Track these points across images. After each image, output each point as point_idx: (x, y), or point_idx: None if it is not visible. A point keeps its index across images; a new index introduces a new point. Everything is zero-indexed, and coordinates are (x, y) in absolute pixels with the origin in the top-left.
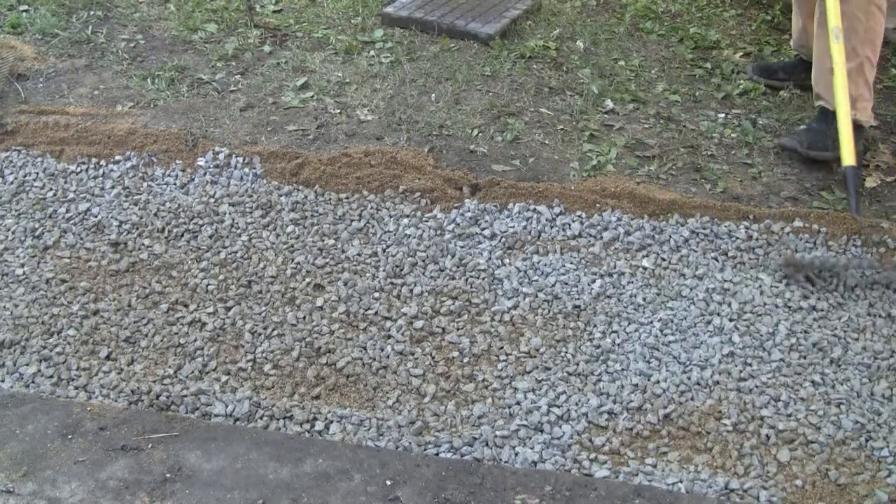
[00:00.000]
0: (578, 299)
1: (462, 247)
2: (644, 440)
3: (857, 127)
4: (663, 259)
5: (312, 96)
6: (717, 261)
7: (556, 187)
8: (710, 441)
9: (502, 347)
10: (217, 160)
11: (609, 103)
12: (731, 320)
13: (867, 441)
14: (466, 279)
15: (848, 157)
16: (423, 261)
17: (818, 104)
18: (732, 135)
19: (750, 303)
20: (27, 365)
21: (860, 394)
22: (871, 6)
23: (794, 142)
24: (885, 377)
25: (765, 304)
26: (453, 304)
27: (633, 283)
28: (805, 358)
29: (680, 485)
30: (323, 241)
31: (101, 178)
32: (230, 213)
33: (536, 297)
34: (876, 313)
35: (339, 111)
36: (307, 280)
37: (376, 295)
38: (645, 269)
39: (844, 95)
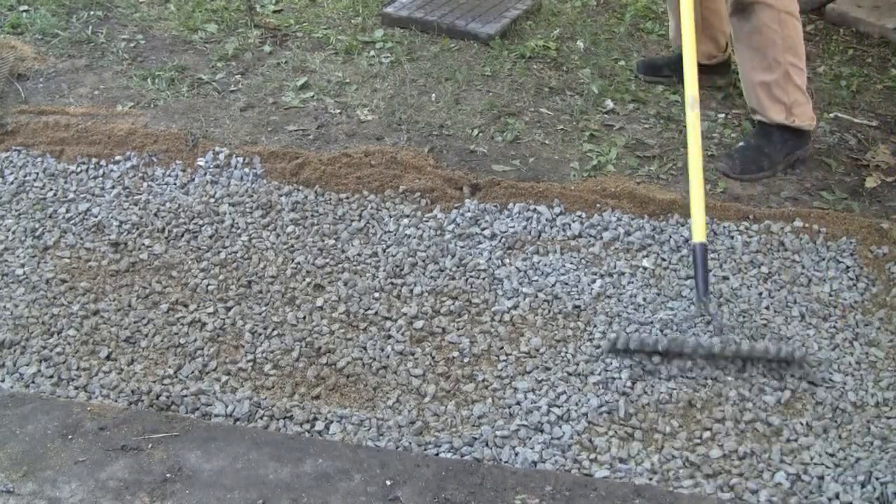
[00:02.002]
0: (578, 299)
1: (462, 247)
2: (644, 440)
3: (800, 132)
4: (663, 259)
5: (312, 96)
6: (716, 261)
7: (556, 187)
8: (710, 441)
9: (502, 347)
10: (217, 160)
11: (609, 103)
12: (730, 320)
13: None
14: (466, 279)
15: (698, 233)
16: (423, 261)
17: (755, 118)
18: (732, 135)
19: (750, 302)
20: (27, 365)
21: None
22: (782, 15)
23: (727, 166)
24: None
25: (765, 303)
26: (453, 304)
27: (633, 283)
28: None
29: (681, 484)
30: (323, 241)
31: (101, 178)
32: (230, 213)
33: (536, 297)
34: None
35: (339, 111)
36: (307, 280)
37: (376, 295)
38: (645, 269)
39: (697, 171)
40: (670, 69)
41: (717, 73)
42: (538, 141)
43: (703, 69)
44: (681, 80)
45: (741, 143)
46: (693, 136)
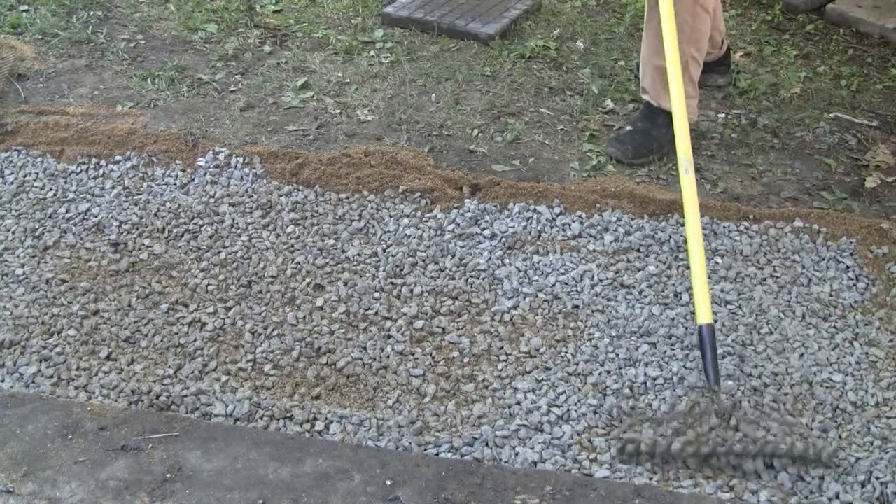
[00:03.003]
0: (578, 299)
1: (462, 247)
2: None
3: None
4: (663, 260)
5: (312, 96)
6: (718, 262)
7: (556, 187)
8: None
9: (502, 347)
10: (217, 160)
11: (609, 103)
12: (730, 320)
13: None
14: (466, 279)
15: (704, 314)
16: (424, 261)
17: (644, 98)
18: (732, 135)
19: (750, 302)
20: (27, 365)
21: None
22: (697, 7)
23: (619, 151)
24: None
25: (765, 302)
26: (453, 304)
27: (633, 283)
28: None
29: (681, 484)
30: (323, 241)
31: (101, 179)
32: (230, 214)
33: (536, 297)
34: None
35: (339, 111)
36: (307, 280)
37: (376, 295)
38: (645, 268)
39: (699, 247)
40: None
41: (715, 71)
42: (538, 141)
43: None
44: None
45: (629, 128)
46: (691, 206)
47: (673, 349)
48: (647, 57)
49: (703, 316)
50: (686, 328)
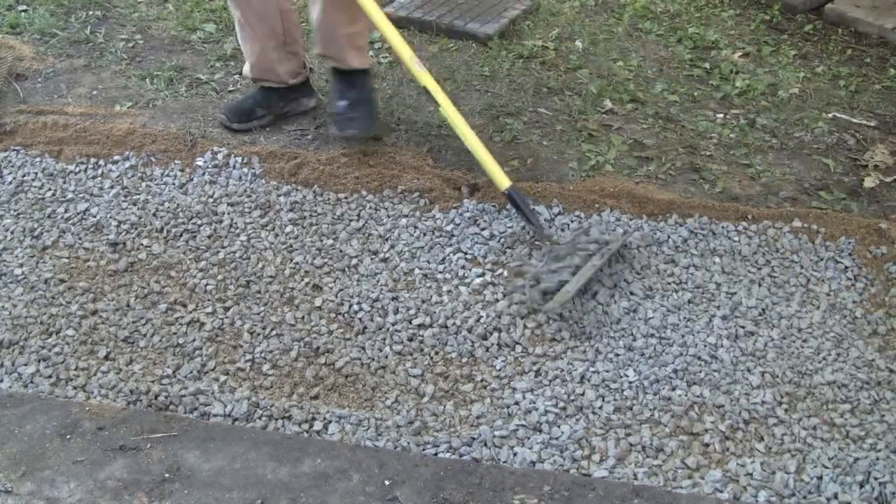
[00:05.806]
0: (577, 299)
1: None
2: (643, 440)
3: (365, 72)
4: (661, 260)
5: None
6: (716, 262)
7: (554, 187)
8: (709, 440)
9: (500, 347)
10: (216, 160)
11: (608, 103)
12: (730, 320)
13: None
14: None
15: (502, 181)
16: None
17: (330, 65)
18: (731, 135)
19: (748, 303)
20: (26, 365)
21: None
22: None
23: (358, 129)
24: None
25: (763, 303)
26: None
27: (632, 283)
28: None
29: (679, 484)
30: (321, 241)
31: (99, 178)
32: (229, 213)
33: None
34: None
35: None
36: (306, 280)
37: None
38: (645, 268)
39: (465, 128)
40: (262, 108)
41: (304, 94)
42: (536, 141)
43: (290, 92)
44: (278, 116)
45: (345, 101)
46: (435, 90)
47: (671, 348)
48: (334, 30)
49: (503, 182)
50: (684, 327)
